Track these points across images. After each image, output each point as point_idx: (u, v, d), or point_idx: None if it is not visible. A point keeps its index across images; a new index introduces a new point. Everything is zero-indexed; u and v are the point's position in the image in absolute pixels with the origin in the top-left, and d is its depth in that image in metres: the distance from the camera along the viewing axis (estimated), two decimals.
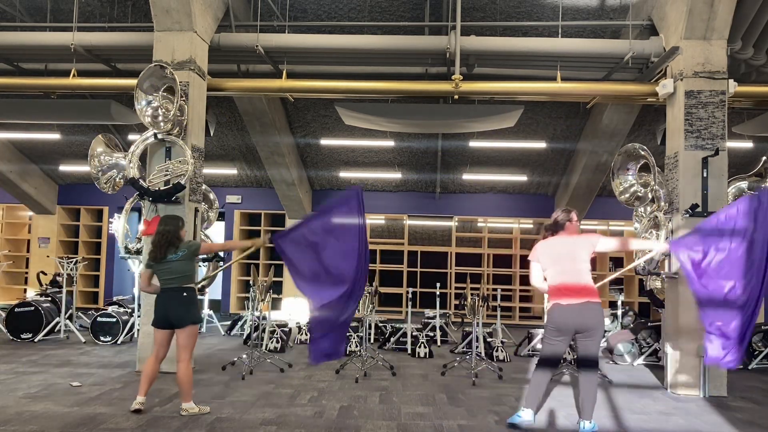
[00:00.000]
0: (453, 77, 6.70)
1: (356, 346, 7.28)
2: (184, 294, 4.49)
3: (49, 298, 8.45)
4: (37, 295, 9.09)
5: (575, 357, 4.74)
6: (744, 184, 6.54)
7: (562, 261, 4.26)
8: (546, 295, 4.61)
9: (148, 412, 4.54)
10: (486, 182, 11.57)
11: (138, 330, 7.12)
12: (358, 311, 7.12)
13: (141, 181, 6.06)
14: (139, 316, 7.49)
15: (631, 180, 6.33)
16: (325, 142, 10.09)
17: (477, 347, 6.57)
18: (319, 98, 8.93)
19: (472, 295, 7.16)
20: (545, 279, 4.38)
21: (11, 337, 7.82)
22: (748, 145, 9.28)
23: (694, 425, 4.66)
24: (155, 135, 6.07)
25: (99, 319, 7.84)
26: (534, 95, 7.15)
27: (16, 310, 7.87)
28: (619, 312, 8.69)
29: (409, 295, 8.09)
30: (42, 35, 7.14)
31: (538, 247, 4.42)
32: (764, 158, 6.35)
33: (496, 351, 7.31)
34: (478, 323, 6.64)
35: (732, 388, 5.87)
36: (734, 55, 6.72)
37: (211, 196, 8.04)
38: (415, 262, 12.45)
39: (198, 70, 6.43)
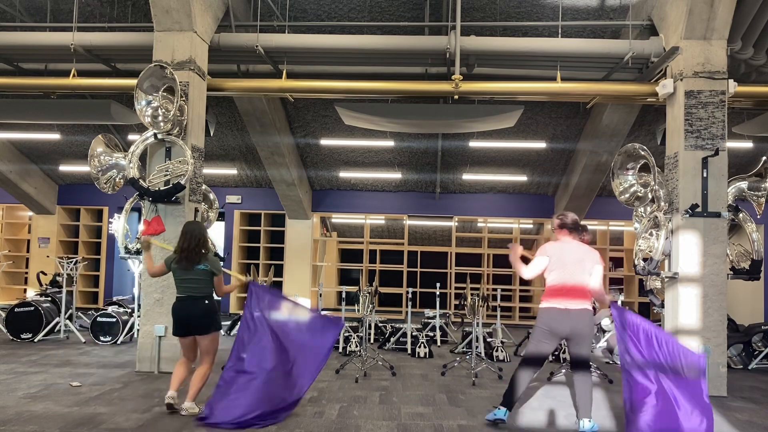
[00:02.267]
0: (453, 77, 6.70)
1: (356, 346, 7.28)
2: (206, 302, 4.51)
3: (49, 298, 8.45)
4: (37, 295, 9.10)
5: (568, 358, 4.78)
6: (744, 184, 6.53)
7: (571, 266, 4.28)
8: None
9: (148, 411, 4.54)
10: (486, 182, 11.56)
11: (138, 330, 7.12)
12: (358, 311, 7.13)
13: (141, 181, 6.06)
14: (139, 317, 7.49)
15: (631, 180, 6.33)
16: (325, 142, 10.08)
17: (477, 347, 6.57)
18: (319, 98, 8.93)
19: (472, 295, 7.17)
20: (544, 278, 4.40)
21: (11, 337, 7.82)
22: (748, 145, 9.28)
23: None
24: (155, 135, 6.07)
25: (99, 319, 7.84)
26: (534, 95, 7.15)
27: (16, 310, 7.87)
28: None
29: (409, 295, 8.08)
30: (42, 35, 7.14)
31: (547, 247, 4.42)
32: (764, 158, 6.34)
33: (496, 351, 7.31)
34: (478, 323, 6.64)
35: (732, 388, 5.88)
36: (734, 55, 6.72)
37: (211, 196, 8.03)
38: (415, 262, 12.45)
39: (198, 70, 6.43)
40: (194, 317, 4.45)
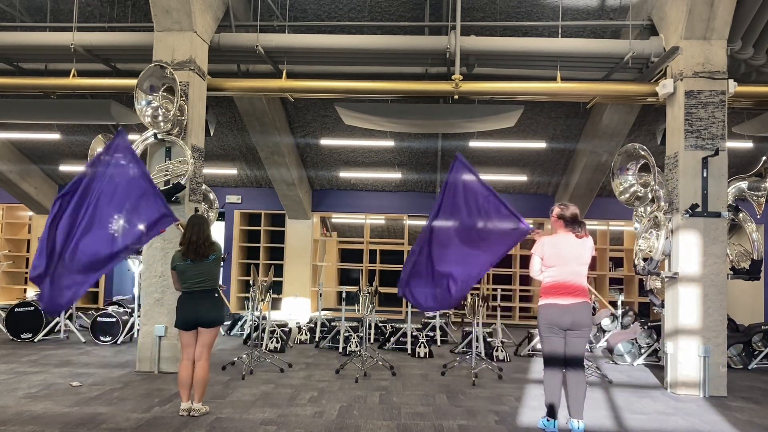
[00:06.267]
0: (453, 77, 6.70)
1: (356, 346, 7.28)
2: (216, 295, 4.51)
3: None
4: (37, 295, 9.09)
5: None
6: (744, 184, 6.53)
7: (570, 262, 4.25)
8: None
9: (148, 411, 4.54)
10: (486, 182, 11.54)
11: (138, 330, 7.12)
12: (358, 311, 7.13)
13: None
14: (139, 316, 7.49)
15: (631, 180, 6.33)
16: (325, 142, 10.08)
17: (477, 347, 6.57)
18: (319, 98, 8.92)
19: (472, 295, 7.16)
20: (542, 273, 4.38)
21: (11, 337, 7.83)
22: (748, 145, 9.28)
23: (694, 425, 4.66)
24: (155, 135, 6.07)
25: (99, 319, 7.84)
26: (534, 95, 7.15)
27: (16, 310, 7.87)
28: (619, 312, 8.69)
29: None
30: (42, 35, 7.14)
31: (545, 241, 4.36)
32: (764, 158, 6.34)
33: (496, 351, 7.31)
34: (478, 323, 6.65)
35: (732, 388, 5.88)
36: (734, 55, 6.72)
37: (211, 196, 8.04)
38: None
39: (198, 70, 6.43)
40: (205, 310, 4.41)
